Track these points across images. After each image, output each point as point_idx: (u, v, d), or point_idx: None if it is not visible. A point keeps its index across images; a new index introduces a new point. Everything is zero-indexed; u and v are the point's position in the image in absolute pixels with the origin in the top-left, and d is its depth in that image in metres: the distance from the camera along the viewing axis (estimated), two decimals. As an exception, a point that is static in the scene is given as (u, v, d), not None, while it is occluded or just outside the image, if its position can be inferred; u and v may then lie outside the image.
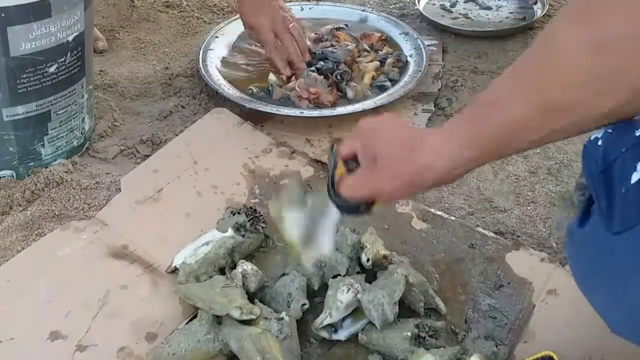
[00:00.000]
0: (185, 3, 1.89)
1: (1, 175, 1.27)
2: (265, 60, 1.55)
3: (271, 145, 1.36)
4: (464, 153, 0.72)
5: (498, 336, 1.00)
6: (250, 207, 1.15)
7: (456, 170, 0.74)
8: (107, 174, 1.31)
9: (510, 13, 1.84)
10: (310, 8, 1.77)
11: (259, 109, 1.42)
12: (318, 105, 1.45)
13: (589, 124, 0.67)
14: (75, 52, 1.23)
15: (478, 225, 1.20)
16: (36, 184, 1.26)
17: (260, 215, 1.14)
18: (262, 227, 1.13)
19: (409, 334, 0.95)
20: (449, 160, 0.73)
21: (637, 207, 0.66)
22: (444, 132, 0.75)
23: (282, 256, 1.11)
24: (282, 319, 0.95)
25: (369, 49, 1.62)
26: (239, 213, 1.13)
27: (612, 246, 0.70)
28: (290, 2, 1.80)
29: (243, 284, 1.02)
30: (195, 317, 0.99)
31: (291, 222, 0.96)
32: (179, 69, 1.63)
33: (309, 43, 1.60)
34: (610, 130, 0.71)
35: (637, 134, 0.68)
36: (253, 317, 0.95)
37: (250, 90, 1.50)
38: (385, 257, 1.05)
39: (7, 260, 1.11)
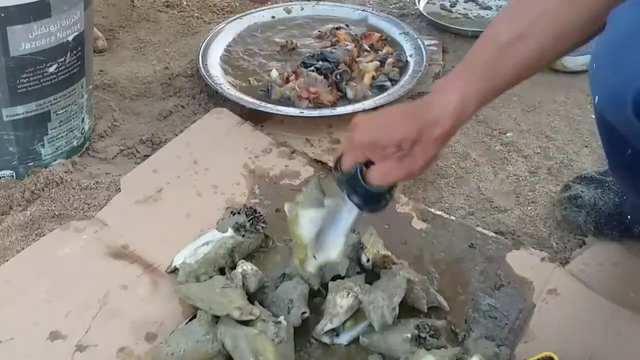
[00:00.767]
0: (185, 3, 1.89)
1: (1, 175, 1.27)
2: None
3: (271, 145, 1.36)
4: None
5: (498, 336, 1.00)
6: (250, 207, 1.15)
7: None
8: (107, 174, 1.31)
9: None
10: (312, 7, 1.77)
11: (259, 108, 1.42)
12: (318, 105, 1.45)
13: None
14: (75, 52, 1.23)
15: (478, 225, 1.20)
16: (36, 184, 1.25)
17: (260, 215, 1.14)
18: (262, 227, 1.13)
19: (409, 335, 0.95)
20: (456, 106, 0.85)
21: None
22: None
23: (282, 256, 1.11)
24: (279, 322, 0.95)
25: (369, 49, 1.62)
26: (239, 213, 1.13)
27: None
28: (290, 1, 1.80)
29: (243, 284, 1.02)
30: (194, 317, 0.99)
31: (306, 221, 0.97)
32: (179, 68, 1.63)
33: (310, 40, 1.61)
34: None
35: None
36: (252, 317, 0.95)
37: (249, 82, 1.51)
38: (385, 257, 1.05)
39: (7, 260, 1.11)
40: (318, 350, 0.99)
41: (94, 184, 1.26)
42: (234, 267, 1.05)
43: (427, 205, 1.25)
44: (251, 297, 1.01)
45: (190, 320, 1.01)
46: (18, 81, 1.17)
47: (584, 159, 1.37)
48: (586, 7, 0.81)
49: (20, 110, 1.21)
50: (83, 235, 1.16)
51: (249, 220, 1.11)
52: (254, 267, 1.04)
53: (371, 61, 1.57)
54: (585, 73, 1.04)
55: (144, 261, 1.11)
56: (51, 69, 1.20)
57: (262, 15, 1.75)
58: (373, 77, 1.52)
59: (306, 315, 1.00)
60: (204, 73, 1.51)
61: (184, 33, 1.78)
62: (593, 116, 1.49)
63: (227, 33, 1.67)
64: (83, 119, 1.34)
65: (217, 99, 1.51)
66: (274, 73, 1.54)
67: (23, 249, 1.13)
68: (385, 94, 1.48)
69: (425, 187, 1.29)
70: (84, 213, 1.20)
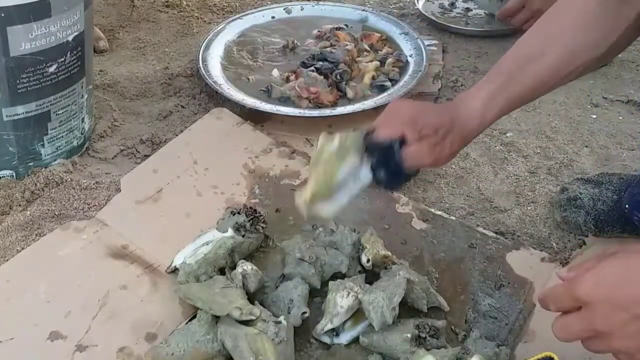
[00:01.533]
0: (185, 3, 1.89)
1: (1, 175, 1.27)
2: None
3: (271, 145, 1.36)
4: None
5: (498, 336, 1.00)
6: (250, 207, 1.15)
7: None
8: (107, 174, 1.31)
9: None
10: (312, 7, 1.78)
11: (259, 108, 1.42)
12: (318, 105, 1.45)
13: None
14: (75, 52, 1.23)
15: (478, 225, 1.20)
16: (36, 184, 1.25)
17: (260, 215, 1.14)
18: (262, 227, 1.13)
19: (409, 335, 0.95)
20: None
21: None
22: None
23: (282, 256, 1.11)
24: (279, 322, 0.95)
25: (369, 49, 1.62)
26: (239, 213, 1.13)
27: None
28: (290, 1, 1.80)
29: (243, 284, 1.02)
30: (194, 317, 0.99)
31: (349, 167, 0.96)
32: (179, 68, 1.63)
33: (310, 40, 1.61)
34: None
35: None
36: (253, 317, 0.95)
37: (247, 80, 1.51)
38: (385, 257, 1.05)
39: (7, 260, 1.11)
40: (318, 350, 0.99)
41: (94, 184, 1.26)
42: (234, 267, 1.05)
43: (427, 205, 1.25)
44: (251, 297, 1.01)
45: (190, 320, 1.01)
46: (18, 81, 1.17)
47: (584, 159, 1.37)
48: (594, 29, 0.94)
49: (20, 110, 1.21)
50: (83, 235, 1.16)
51: (249, 220, 1.11)
52: (254, 267, 1.04)
53: (371, 61, 1.57)
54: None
55: (144, 261, 1.11)
56: (51, 69, 1.20)
57: (262, 15, 1.75)
58: (373, 77, 1.52)
59: (306, 315, 1.00)
60: (204, 73, 1.51)
61: (184, 33, 1.79)
62: (594, 116, 1.49)
63: (227, 33, 1.66)
64: (83, 119, 1.34)
65: (217, 99, 1.51)
66: (274, 73, 1.54)
67: (23, 249, 1.13)
68: (385, 94, 1.48)
69: (425, 187, 1.29)
70: (84, 213, 1.20)
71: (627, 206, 1.14)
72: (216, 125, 1.41)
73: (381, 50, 1.62)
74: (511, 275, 1.10)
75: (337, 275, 1.07)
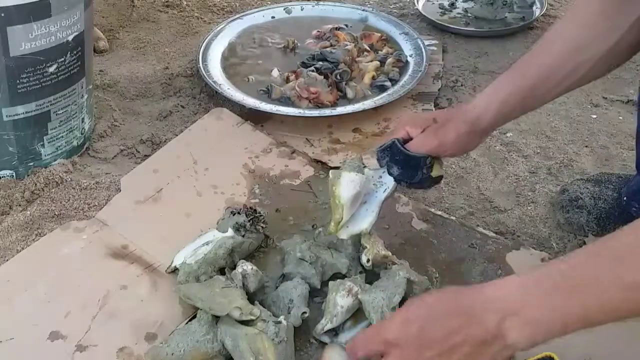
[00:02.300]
0: (185, 3, 1.89)
1: (1, 175, 1.27)
2: None
3: (271, 145, 1.36)
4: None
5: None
6: (250, 207, 1.15)
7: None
8: (107, 174, 1.31)
9: (510, 13, 1.84)
10: (312, 7, 1.78)
11: (259, 108, 1.42)
12: (318, 105, 1.45)
13: None
14: (75, 52, 1.23)
15: (478, 225, 1.20)
16: (36, 184, 1.25)
17: (260, 215, 1.14)
18: (262, 227, 1.13)
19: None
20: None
21: None
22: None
23: (281, 256, 1.11)
24: (279, 322, 0.95)
25: (369, 49, 1.62)
26: (239, 213, 1.13)
27: None
28: (290, 2, 1.80)
29: (243, 284, 1.02)
30: (194, 317, 0.99)
31: (347, 181, 1.01)
32: (179, 68, 1.63)
33: (310, 40, 1.61)
34: None
35: None
36: (252, 317, 0.95)
37: (248, 79, 1.51)
38: (385, 257, 1.05)
39: (7, 260, 1.11)
40: (318, 350, 0.99)
41: (94, 184, 1.26)
42: (234, 267, 1.05)
43: (427, 205, 1.25)
44: (251, 297, 1.01)
45: (190, 320, 1.01)
46: (18, 81, 1.17)
47: (584, 159, 1.37)
48: (596, 26, 0.96)
49: (20, 110, 1.21)
50: (83, 235, 1.16)
51: (249, 220, 1.11)
52: (254, 267, 1.04)
53: (371, 61, 1.57)
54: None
55: (144, 261, 1.11)
56: (51, 69, 1.20)
57: (262, 15, 1.75)
58: (373, 77, 1.52)
59: (306, 315, 1.00)
60: (204, 73, 1.51)
61: (184, 33, 1.79)
62: (594, 116, 1.49)
63: (227, 33, 1.66)
64: (83, 119, 1.34)
65: (217, 99, 1.51)
66: (274, 73, 1.54)
67: (23, 249, 1.13)
68: (385, 93, 1.48)
69: (425, 187, 1.29)
70: (84, 213, 1.20)
71: (625, 198, 1.15)
72: (216, 125, 1.41)
73: (381, 50, 1.62)
74: (511, 275, 1.10)
75: (337, 275, 1.07)
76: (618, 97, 1.54)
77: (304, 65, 1.54)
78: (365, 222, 1.04)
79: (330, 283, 1.02)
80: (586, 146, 1.40)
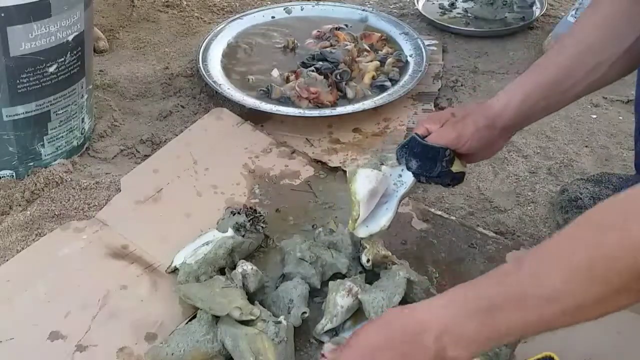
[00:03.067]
0: (185, 3, 1.89)
1: (1, 175, 1.27)
2: None
3: (271, 145, 1.36)
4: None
5: (498, 336, 1.00)
6: (250, 207, 1.15)
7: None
8: (106, 174, 1.31)
9: (510, 13, 1.84)
10: (312, 7, 1.78)
11: (259, 108, 1.42)
12: (318, 105, 1.45)
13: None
14: (75, 52, 1.23)
15: (478, 225, 1.20)
16: (36, 184, 1.25)
17: (260, 215, 1.14)
18: (262, 227, 1.13)
19: (409, 334, 0.95)
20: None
21: None
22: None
23: (282, 256, 1.11)
24: (279, 322, 0.95)
25: (368, 49, 1.62)
26: (239, 213, 1.13)
27: None
28: (290, 2, 1.80)
29: (243, 284, 1.02)
30: (194, 317, 0.99)
31: (363, 177, 1.01)
32: (179, 68, 1.63)
33: (310, 41, 1.61)
34: None
35: None
36: (252, 317, 0.95)
37: (248, 79, 1.51)
38: (385, 257, 1.05)
39: (7, 260, 1.11)
40: (318, 350, 0.99)
41: (94, 184, 1.26)
42: (234, 267, 1.05)
43: (427, 205, 1.25)
44: (251, 297, 1.01)
45: (190, 320, 1.01)
46: (18, 81, 1.17)
47: (584, 159, 1.37)
48: (608, 28, 0.97)
49: (20, 110, 1.21)
50: (83, 235, 1.16)
51: (249, 220, 1.11)
52: (254, 267, 1.04)
53: (371, 61, 1.57)
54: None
55: (144, 261, 1.11)
56: (51, 69, 1.20)
57: (262, 15, 1.75)
58: (373, 77, 1.52)
59: (306, 315, 1.00)
60: (204, 73, 1.51)
61: (184, 33, 1.79)
62: (594, 116, 1.49)
63: (227, 33, 1.66)
64: (83, 119, 1.34)
65: (217, 99, 1.51)
66: (274, 73, 1.54)
67: (23, 249, 1.13)
68: (385, 93, 1.48)
69: (426, 187, 1.29)
70: (84, 213, 1.20)
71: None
72: (216, 125, 1.41)
73: (381, 50, 1.62)
74: (511, 275, 1.10)
75: (337, 275, 1.07)
76: (618, 97, 1.54)
77: (304, 65, 1.54)
78: (384, 219, 1.03)
79: (330, 283, 1.02)
80: (586, 146, 1.40)
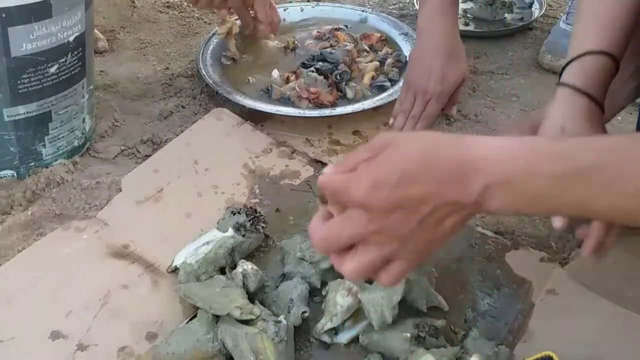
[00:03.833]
0: (185, 4, 1.90)
1: (2, 175, 1.28)
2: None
3: (271, 145, 1.37)
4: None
5: (497, 336, 1.00)
6: (251, 207, 1.16)
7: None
8: (107, 174, 1.31)
9: (509, 14, 1.85)
10: (312, 8, 1.78)
11: (259, 108, 1.43)
12: (318, 105, 1.45)
13: None
14: (76, 53, 1.23)
15: (478, 225, 1.21)
16: (37, 184, 1.26)
17: (261, 215, 1.14)
18: (262, 227, 1.13)
19: (409, 334, 0.96)
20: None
21: None
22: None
23: (281, 256, 1.11)
24: (280, 322, 0.95)
25: (368, 49, 1.62)
26: (239, 213, 1.13)
27: None
28: (290, 2, 1.81)
29: (243, 283, 1.02)
30: (195, 316, 1.00)
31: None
32: (180, 69, 1.63)
33: (310, 41, 1.61)
34: None
35: None
36: (253, 317, 0.96)
37: (248, 80, 1.51)
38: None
39: (8, 259, 1.12)
40: (318, 349, 1.00)
41: (94, 184, 1.27)
42: (234, 267, 1.06)
43: (427, 205, 1.25)
44: (251, 297, 1.02)
45: (190, 319, 1.01)
46: (19, 81, 1.18)
47: (583, 159, 1.37)
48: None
49: (21, 111, 1.21)
50: (84, 235, 1.16)
51: (249, 220, 1.12)
52: (255, 267, 1.05)
53: (371, 61, 1.57)
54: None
55: (145, 261, 1.12)
56: (52, 70, 1.21)
57: (262, 15, 1.75)
58: (372, 78, 1.53)
59: (306, 314, 1.00)
60: (204, 73, 1.51)
61: (184, 34, 1.79)
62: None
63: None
64: (84, 119, 1.34)
65: (217, 99, 1.51)
66: (274, 73, 1.55)
67: (24, 248, 1.14)
68: (384, 94, 1.48)
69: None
70: (85, 213, 1.21)
71: None
72: (216, 125, 1.41)
73: (381, 51, 1.62)
74: (510, 275, 1.10)
75: (337, 275, 1.07)
76: (617, 97, 1.54)
77: (304, 65, 1.55)
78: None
79: (330, 283, 1.02)
80: (585, 146, 1.40)
